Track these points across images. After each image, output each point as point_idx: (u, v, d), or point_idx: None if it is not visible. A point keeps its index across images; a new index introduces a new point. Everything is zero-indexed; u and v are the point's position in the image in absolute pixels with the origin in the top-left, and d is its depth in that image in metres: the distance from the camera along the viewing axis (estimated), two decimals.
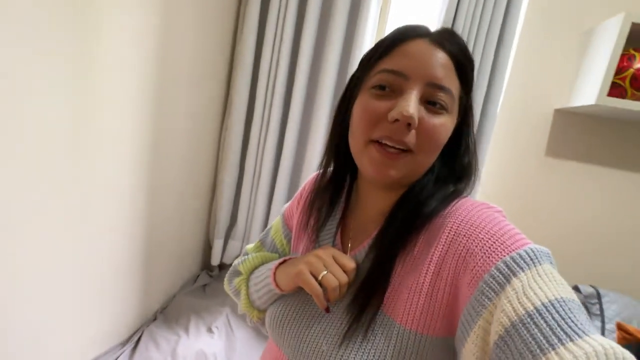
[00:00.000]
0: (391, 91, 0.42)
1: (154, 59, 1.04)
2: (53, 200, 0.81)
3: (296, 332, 0.46)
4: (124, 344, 1.15)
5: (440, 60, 0.41)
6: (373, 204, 0.48)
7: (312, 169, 1.46)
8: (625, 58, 1.18)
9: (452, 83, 0.42)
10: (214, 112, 1.50)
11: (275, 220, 0.64)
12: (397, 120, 0.40)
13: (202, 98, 1.37)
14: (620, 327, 1.23)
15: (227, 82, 1.53)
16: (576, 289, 1.45)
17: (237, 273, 0.62)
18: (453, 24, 1.32)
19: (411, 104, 0.39)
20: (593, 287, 1.41)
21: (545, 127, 1.47)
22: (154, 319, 1.31)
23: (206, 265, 1.69)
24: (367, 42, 1.38)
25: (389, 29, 1.52)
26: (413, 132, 0.41)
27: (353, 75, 0.48)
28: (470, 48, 1.32)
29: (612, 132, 1.43)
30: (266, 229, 0.65)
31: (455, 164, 0.47)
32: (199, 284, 1.56)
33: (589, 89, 1.23)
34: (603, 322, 1.35)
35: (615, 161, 1.45)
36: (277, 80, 1.40)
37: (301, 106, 1.43)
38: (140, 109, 1.03)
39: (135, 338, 1.18)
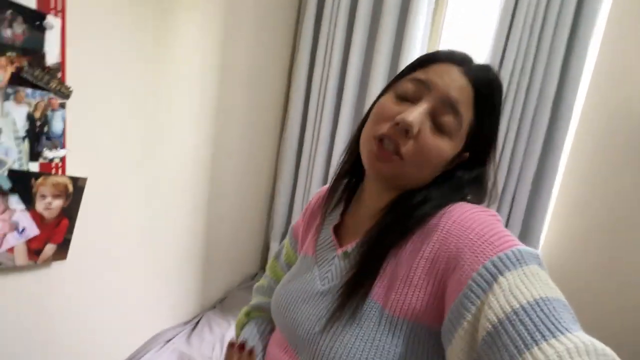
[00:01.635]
0: (410, 100, 0.45)
1: (215, 70, 1.23)
2: (127, 199, 1.02)
3: (293, 315, 0.49)
4: (186, 323, 1.33)
5: (462, 86, 0.44)
6: (370, 203, 0.51)
7: None
8: None
9: (466, 110, 0.44)
10: (272, 122, 1.65)
11: (286, 241, 0.69)
12: (398, 124, 0.43)
13: (261, 109, 1.53)
14: None
15: (285, 94, 1.68)
16: None
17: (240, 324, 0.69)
18: (512, 20, 1.20)
19: (415, 114, 0.42)
20: None
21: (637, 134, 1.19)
22: (213, 307, 1.48)
23: (263, 266, 1.83)
24: (416, 50, 1.36)
25: (442, 39, 1.47)
26: (411, 142, 0.43)
27: (397, 75, 0.52)
28: (532, 49, 1.18)
29: None
30: (281, 245, 0.72)
31: (455, 185, 0.47)
32: (256, 280, 1.70)
33: None
34: None
35: None
36: (327, 91, 1.49)
37: (349, 120, 1.48)
38: (202, 117, 1.23)
39: (196, 320, 1.35)
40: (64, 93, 0.78)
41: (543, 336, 0.28)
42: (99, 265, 0.97)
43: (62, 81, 0.78)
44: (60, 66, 0.77)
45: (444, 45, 1.48)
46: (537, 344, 0.27)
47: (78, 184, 0.85)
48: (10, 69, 0.70)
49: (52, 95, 0.76)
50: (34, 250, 0.79)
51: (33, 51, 0.72)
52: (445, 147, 0.44)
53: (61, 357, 0.93)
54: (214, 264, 1.45)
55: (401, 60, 1.37)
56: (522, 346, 0.28)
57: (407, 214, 0.45)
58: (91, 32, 0.82)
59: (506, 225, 1.26)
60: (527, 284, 0.32)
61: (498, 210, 1.29)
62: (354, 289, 0.43)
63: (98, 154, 0.90)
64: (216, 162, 1.33)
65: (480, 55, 1.30)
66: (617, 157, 1.23)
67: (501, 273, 0.33)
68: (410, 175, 0.45)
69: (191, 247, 1.31)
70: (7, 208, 0.73)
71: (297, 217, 1.64)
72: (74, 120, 0.81)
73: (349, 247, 0.50)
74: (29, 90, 0.73)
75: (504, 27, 1.22)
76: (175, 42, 1.04)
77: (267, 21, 1.43)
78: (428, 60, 0.47)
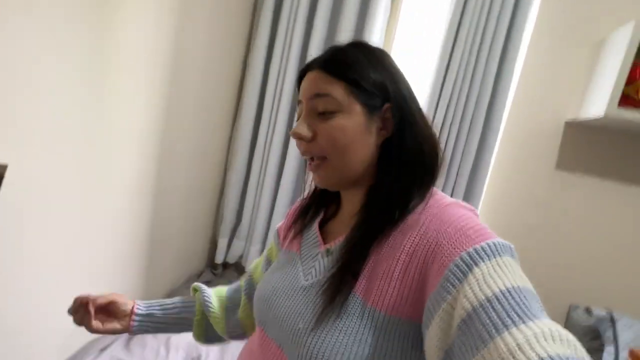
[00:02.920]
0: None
1: (167, 58, 1.13)
2: (63, 191, 0.89)
3: (276, 310, 0.50)
4: None
5: (314, 77, 0.50)
6: (348, 206, 0.55)
7: None
8: (638, 68, 1.14)
9: (329, 87, 0.48)
10: (225, 113, 1.58)
11: (271, 244, 0.70)
12: (295, 138, 0.51)
13: (213, 99, 1.45)
14: (633, 355, 1.15)
15: (238, 84, 1.61)
16: (588, 311, 1.37)
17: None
18: (456, 35, 1.34)
19: (299, 126, 0.50)
20: (607, 310, 1.33)
21: (555, 140, 1.43)
22: None
23: (211, 263, 1.74)
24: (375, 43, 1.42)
25: (399, 30, 1.55)
26: (316, 142, 0.49)
27: None
28: (473, 59, 1.33)
29: (625, 145, 1.37)
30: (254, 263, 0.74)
31: (406, 151, 0.49)
32: (202, 280, 1.61)
33: (599, 100, 1.20)
34: (617, 348, 1.26)
35: (629, 176, 1.38)
36: (284, 84, 1.47)
37: None
38: (151, 106, 1.11)
39: None
40: None
41: (513, 322, 0.30)
42: (22, 267, 0.82)
43: None
44: None
45: (399, 39, 1.57)
46: (507, 329, 0.30)
47: None
48: None
49: None
50: None
51: None
52: (342, 122, 0.48)
53: None
54: (158, 261, 1.33)
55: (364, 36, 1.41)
56: (494, 331, 0.30)
57: (385, 210, 0.47)
58: None
59: (452, 191, 1.41)
60: (500, 274, 0.34)
61: (446, 178, 1.42)
62: (337, 285, 0.45)
63: (21, 137, 0.76)
64: (163, 154, 1.22)
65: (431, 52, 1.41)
66: (538, 151, 1.45)
67: (476, 264, 0.36)
68: (344, 165, 0.49)
69: (132, 243, 1.19)
70: None
71: (248, 212, 1.61)
72: None
73: (332, 244, 0.52)
74: None
75: (451, 32, 1.34)
76: (118, 22, 0.93)
77: (223, 8, 1.36)
78: (298, 83, 0.54)
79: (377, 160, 0.50)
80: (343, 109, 0.47)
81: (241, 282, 0.73)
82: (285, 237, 0.63)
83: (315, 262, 0.52)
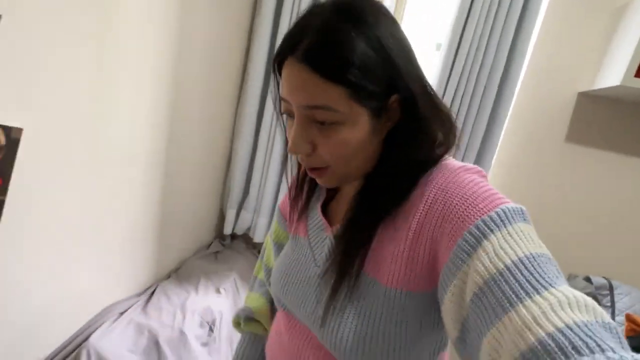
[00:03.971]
0: (292, 118, 0.43)
1: (173, 30, 1.09)
2: (75, 162, 0.89)
3: (295, 299, 0.51)
4: (139, 294, 1.25)
5: (307, 82, 0.39)
6: (352, 187, 0.51)
7: None
8: None
9: (329, 95, 0.39)
10: (231, 83, 1.55)
11: (274, 226, 0.67)
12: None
13: (218, 69, 1.42)
14: (629, 319, 1.20)
15: (244, 53, 1.57)
16: (588, 279, 1.41)
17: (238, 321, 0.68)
18: (470, 5, 1.28)
19: (295, 140, 0.42)
20: (606, 278, 1.37)
21: (567, 112, 1.41)
22: (168, 277, 1.40)
23: (219, 234, 1.77)
24: None
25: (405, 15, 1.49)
26: (317, 154, 0.43)
27: None
28: (489, 26, 1.29)
29: (638, 117, 1.35)
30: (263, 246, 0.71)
31: (410, 142, 0.44)
32: (211, 250, 1.64)
33: (616, 69, 1.17)
34: (613, 313, 1.31)
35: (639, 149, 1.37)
36: None
37: None
38: (158, 79, 1.09)
39: (150, 291, 1.27)
40: None
41: (527, 293, 0.28)
42: (40, 232, 0.84)
43: None
44: None
45: (407, 18, 1.51)
46: (521, 302, 0.28)
47: (12, 136, 0.71)
48: None
49: None
50: None
51: None
52: (345, 134, 0.41)
53: (6, 336, 0.80)
54: (168, 232, 1.36)
55: None
56: (507, 305, 0.29)
57: (387, 188, 0.44)
58: None
59: (463, 156, 1.39)
60: (512, 244, 0.32)
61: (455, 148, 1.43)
62: (345, 267, 0.44)
63: (36, 101, 0.75)
64: (172, 128, 1.21)
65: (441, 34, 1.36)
66: (549, 122, 1.44)
67: (485, 236, 0.34)
68: (349, 171, 0.45)
69: (143, 214, 1.20)
70: None
71: (255, 184, 1.62)
72: (2, 51, 0.66)
73: (337, 226, 0.50)
74: None
75: (464, 11, 1.29)
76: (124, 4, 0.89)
77: None
78: (279, 67, 0.44)
79: (381, 147, 0.46)
80: (346, 119, 0.40)
81: (260, 275, 0.70)
82: (290, 220, 0.61)
83: (324, 246, 0.51)
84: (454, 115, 0.47)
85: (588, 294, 1.40)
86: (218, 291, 1.37)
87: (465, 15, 1.30)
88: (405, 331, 0.41)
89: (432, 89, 0.45)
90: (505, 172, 1.49)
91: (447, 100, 1.36)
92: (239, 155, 1.59)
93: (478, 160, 1.45)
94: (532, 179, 1.47)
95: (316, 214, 0.55)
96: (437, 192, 0.41)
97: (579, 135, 1.42)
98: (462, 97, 1.38)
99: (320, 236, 0.52)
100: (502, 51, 1.31)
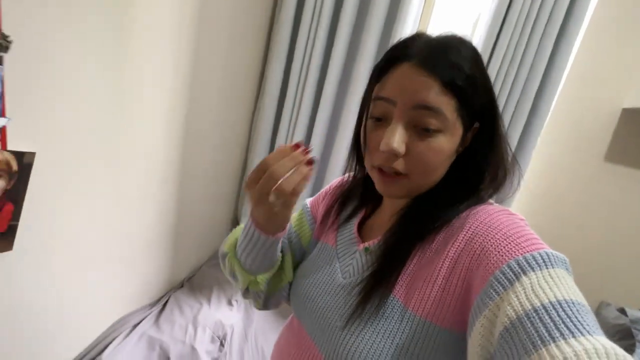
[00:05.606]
0: (385, 120, 0.44)
1: (191, 37, 1.06)
2: (91, 177, 0.88)
3: (316, 307, 0.49)
4: (152, 305, 1.25)
5: (425, 84, 0.40)
6: (390, 203, 0.51)
7: (340, 156, 1.44)
8: None
9: (443, 102, 0.41)
10: (248, 93, 1.51)
11: (293, 215, 0.65)
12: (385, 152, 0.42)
13: (236, 80, 1.38)
14: None
15: (262, 64, 1.53)
16: (622, 311, 1.31)
17: (224, 255, 0.59)
18: (508, 7, 1.18)
19: (393, 137, 0.41)
20: None
21: (608, 128, 1.30)
22: (181, 286, 1.40)
23: None
24: (408, 28, 1.29)
25: (433, 19, 1.41)
26: (406, 159, 0.42)
27: (366, 89, 0.49)
28: (525, 36, 1.19)
29: None
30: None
31: (474, 167, 0.46)
32: None
33: None
34: None
35: None
36: (311, 64, 1.38)
37: (334, 90, 1.40)
38: (175, 86, 1.07)
39: (163, 301, 1.28)
40: (1, 44, 0.60)
41: (562, 334, 0.27)
42: (53, 251, 0.84)
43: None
44: None
45: (435, 25, 1.43)
46: (554, 341, 0.27)
47: (24, 161, 0.70)
48: None
49: None
50: None
51: None
52: (441, 143, 0.42)
53: (20, 350, 0.81)
54: (183, 240, 1.35)
55: (396, 19, 1.28)
56: (539, 342, 0.27)
57: (430, 213, 0.44)
58: None
59: None
60: (552, 285, 0.31)
61: None
62: (376, 285, 0.43)
63: (47, 124, 0.74)
64: (188, 135, 1.19)
65: (474, 36, 1.27)
66: (588, 139, 1.33)
67: (525, 272, 0.33)
68: (421, 185, 0.45)
69: (159, 224, 1.20)
70: None
71: None
72: (16, 81, 0.64)
73: (371, 243, 0.49)
74: None
75: (500, 13, 1.19)
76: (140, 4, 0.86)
77: None
78: (382, 70, 0.45)
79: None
80: (447, 129, 0.41)
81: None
82: (322, 223, 0.60)
83: (353, 259, 0.50)
84: (510, 161, 0.47)
85: (621, 327, 1.30)
86: (230, 303, 1.36)
87: (502, 15, 1.20)
88: None
89: (503, 126, 0.47)
90: (536, 187, 1.39)
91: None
92: (254, 163, 1.57)
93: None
94: (565, 198, 1.37)
95: (350, 229, 0.54)
96: (479, 226, 0.40)
97: (621, 155, 1.30)
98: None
99: (349, 249, 0.52)
100: (541, 57, 1.21)
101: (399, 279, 0.43)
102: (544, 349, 0.27)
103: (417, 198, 0.47)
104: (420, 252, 0.43)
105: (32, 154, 0.71)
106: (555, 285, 0.31)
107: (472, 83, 0.41)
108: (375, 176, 0.46)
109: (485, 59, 1.24)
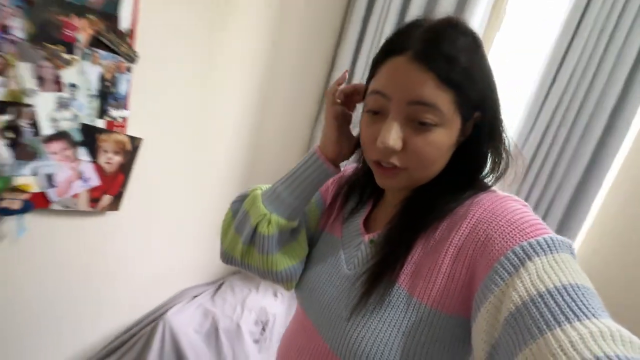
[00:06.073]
0: (381, 114, 0.43)
1: (266, 50, 1.26)
2: (178, 159, 1.09)
3: (321, 297, 0.50)
4: (210, 284, 1.43)
5: (420, 79, 0.40)
6: (394, 194, 0.52)
7: None
8: None
9: (438, 97, 0.40)
10: (311, 99, 1.67)
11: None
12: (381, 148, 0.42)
13: (301, 86, 1.55)
14: None
15: (327, 76, 1.68)
16: None
17: (245, 195, 0.57)
18: (579, 24, 1.14)
19: (389, 134, 0.41)
20: None
21: None
22: (235, 272, 1.57)
23: None
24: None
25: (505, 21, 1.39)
26: (403, 154, 0.42)
27: (367, 82, 0.49)
28: (594, 61, 1.12)
29: None
30: None
31: (476, 155, 0.46)
32: None
33: None
34: None
35: None
36: None
37: None
38: (246, 101, 1.27)
39: (219, 282, 1.45)
40: (132, 57, 0.84)
41: (567, 318, 0.27)
42: (146, 220, 1.06)
43: (130, 46, 0.83)
44: (131, 32, 0.82)
45: (502, 34, 1.41)
46: (560, 325, 0.27)
47: (135, 144, 0.92)
48: (90, 31, 0.75)
49: (121, 58, 0.82)
50: (93, 198, 0.88)
51: (109, 15, 0.77)
52: (439, 137, 0.42)
53: (100, 301, 1.03)
54: None
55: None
56: (544, 326, 0.27)
57: (432, 203, 0.45)
58: (163, 4, 0.86)
59: (545, 214, 1.22)
60: (557, 270, 0.31)
61: (541, 196, 1.24)
62: (380, 275, 0.43)
63: (155, 118, 0.96)
64: (256, 139, 1.38)
65: (541, 50, 1.24)
66: None
67: (529, 258, 0.33)
68: (421, 177, 0.45)
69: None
70: (75, 158, 0.81)
71: None
72: (138, 84, 0.87)
73: (375, 234, 0.50)
74: (103, 52, 0.79)
75: (572, 24, 1.15)
76: (234, 21, 1.07)
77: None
78: (377, 62, 0.44)
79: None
80: (445, 122, 0.41)
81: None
82: (327, 213, 0.60)
83: (358, 251, 0.51)
84: (511, 148, 0.47)
85: None
86: (275, 295, 1.47)
87: (567, 40, 1.16)
88: (424, 349, 0.40)
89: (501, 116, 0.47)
90: (598, 242, 1.24)
91: (534, 138, 1.22)
92: None
93: (564, 222, 1.22)
94: (634, 255, 1.19)
95: (357, 219, 0.55)
96: (482, 213, 0.41)
97: None
98: (555, 135, 1.20)
99: (354, 240, 0.52)
100: (611, 89, 1.11)
101: (404, 268, 0.44)
102: (549, 333, 0.27)
103: (419, 188, 0.47)
104: (425, 241, 0.44)
105: (140, 139, 0.93)
106: (560, 270, 0.31)
107: (469, 75, 0.41)
108: (374, 169, 0.47)
109: (545, 87, 1.19)
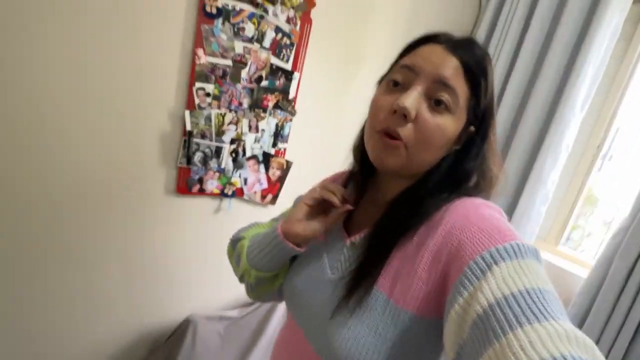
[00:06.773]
0: (402, 87, 0.46)
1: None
2: (311, 176, 1.61)
3: (307, 302, 0.52)
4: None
5: (449, 63, 0.44)
6: (379, 195, 0.53)
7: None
8: None
9: (459, 85, 0.44)
10: None
11: (286, 209, 0.71)
12: (395, 111, 0.44)
13: None
14: None
15: None
16: None
17: (238, 239, 0.64)
18: None
19: (409, 98, 0.43)
20: None
21: None
22: None
23: None
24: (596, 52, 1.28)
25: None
26: (410, 126, 0.44)
27: (387, 71, 0.52)
28: None
29: None
30: (276, 217, 0.73)
31: (462, 169, 0.48)
32: None
33: None
34: None
35: None
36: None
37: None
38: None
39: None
40: (293, 114, 1.42)
41: (528, 320, 0.29)
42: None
43: (293, 107, 1.41)
44: (294, 99, 1.41)
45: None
46: (521, 326, 0.28)
47: (288, 164, 1.48)
48: (274, 100, 1.37)
49: (287, 114, 1.41)
50: (263, 195, 1.46)
51: (284, 91, 1.38)
52: (447, 124, 0.44)
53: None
54: None
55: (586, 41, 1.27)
56: (507, 327, 0.29)
57: (412, 209, 0.46)
58: (312, 81, 1.43)
59: None
60: (521, 274, 0.33)
61: None
62: (359, 279, 0.45)
63: (301, 149, 1.51)
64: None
65: None
66: None
67: (496, 263, 0.35)
68: (417, 161, 0.46)
69: None
70: (258, 170, 1.42)
71: None
72: (294, 129, 1.44)
73: (357, 237, 0.51)
74: (279, 111, 1.39)
75: None
76: (364, 68, 1.57)
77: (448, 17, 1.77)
78: (412, 46, 0.48)
79: (434, 166, 0.48)
80: (455, 111, 0.44)
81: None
82: None
83: (341, 254, 0.52)
84: (503, 171, 0.50)
85: None
86: None
87: None
88: (401, 350, 0.42)
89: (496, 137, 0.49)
90: None
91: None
92: None
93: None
94: None
95: (337, 226, 0.56)
96: (457, 219, 0.42)
97: None
98: None
99: (337, 244, 0.54)
100: None
101: (383, 272, 0.45)
102: (511, 334, 0.28)
103: (402, 193, 0.48)
104: (403, 246, 0.45)
105: (291, 162, 1.49)
106: (524, 275, 0.33)
107: (486, 80, 0.45)
108: (376, 142, 0.46)
109: None
